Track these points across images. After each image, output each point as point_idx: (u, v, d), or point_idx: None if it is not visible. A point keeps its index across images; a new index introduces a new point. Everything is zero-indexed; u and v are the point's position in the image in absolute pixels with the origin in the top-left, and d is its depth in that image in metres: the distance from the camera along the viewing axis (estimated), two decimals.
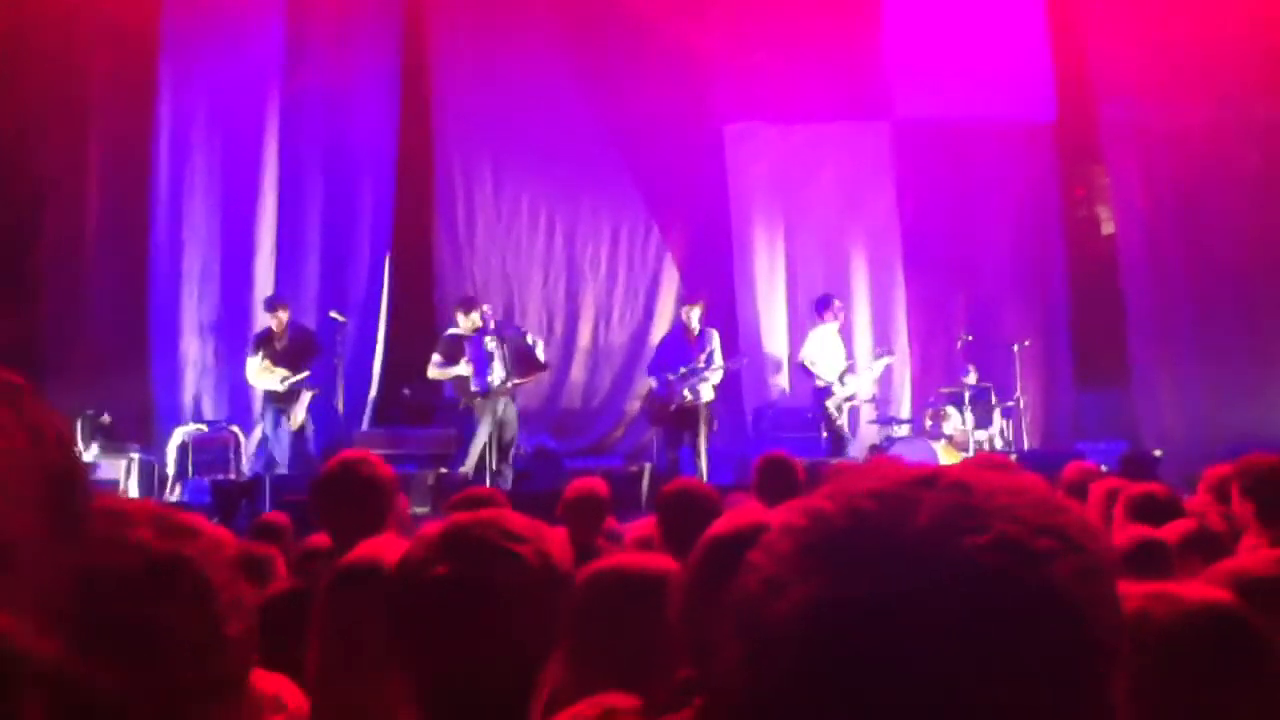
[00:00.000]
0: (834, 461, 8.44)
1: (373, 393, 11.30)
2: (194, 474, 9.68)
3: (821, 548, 0.64)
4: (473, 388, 9.15)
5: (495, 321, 9.51)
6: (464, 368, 9.17)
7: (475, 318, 9.32)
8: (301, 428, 9.47)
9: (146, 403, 10.57)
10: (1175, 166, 11.39)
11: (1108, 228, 12.38)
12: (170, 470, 9.80)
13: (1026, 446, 10.35)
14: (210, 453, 9.87)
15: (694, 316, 9.72)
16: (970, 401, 10.30)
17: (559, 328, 11.93)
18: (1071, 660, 0.62)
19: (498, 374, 9.09)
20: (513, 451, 9.34)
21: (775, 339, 11.72)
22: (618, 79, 11.76)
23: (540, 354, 9.38)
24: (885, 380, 11.41)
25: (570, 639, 1.49)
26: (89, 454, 9.14)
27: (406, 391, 10.73)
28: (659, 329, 11.47)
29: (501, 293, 11.78)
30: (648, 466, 9.56)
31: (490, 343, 9.18)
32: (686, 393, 9.45)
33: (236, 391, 10.65)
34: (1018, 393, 10.35)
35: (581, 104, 11.83)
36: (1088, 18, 11.59)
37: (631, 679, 1.84)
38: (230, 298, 10.96)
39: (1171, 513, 3.63)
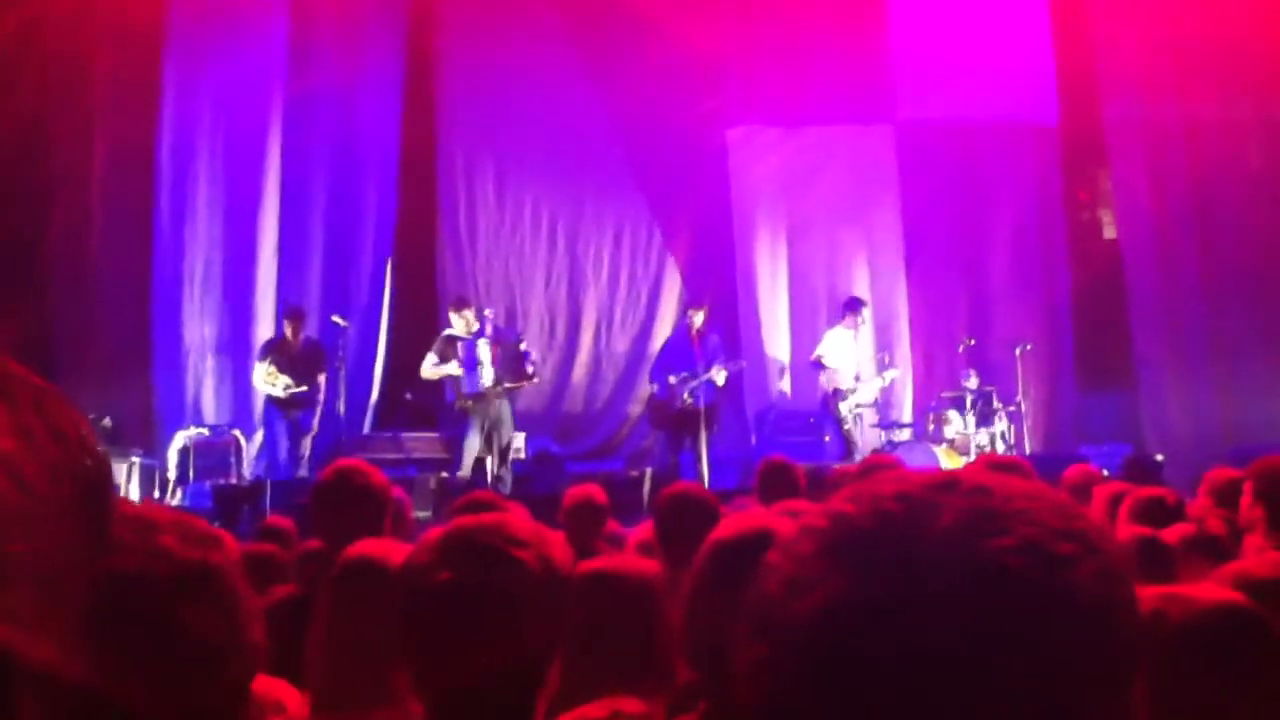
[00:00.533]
0: (837, 466, 8.42)
1: (374, 396, 11.31)
2: (195, 478, 9.67)
3: (843, 549, 0.65)
4: (463, 389, 9.16)
5: (494, 325, 9.51)
6: (454, 368, 9.18)
7: (469, 317, 9.32)
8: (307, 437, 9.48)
9: (148, 406, 10.58)
10: (1182, 165, 11.40)
11: (1110, 231, 12.38)
12: (171, 474, 9.80)
13: (1029, 450, 10.33)
14: (212, 456, 9.87)
15: (697, 320, 9.71)
16: (972, 405, 10.29)
17: (561, 331, 11.94)
18: (1092, 662, 0.62)
19: (487, 376, 9.09)
20: (510, 455, 9.32)
21: (777, 342, 11.72)
22: (621, 82, 11.78)
23: (530, 365, 9.32)
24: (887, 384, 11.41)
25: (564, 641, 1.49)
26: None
27: (408, 395, 10.73)
28: (661, 332, 11.48)
29: (504, 296, 11.79)
30: (649, 470, 9.56)
31: (483, 345, 9.17)
32: (687, 396, 9.44)
33: (238, 395, 10.67)
34: (1020, 396, 10.34)
35: (584, 107, 11.84)
36: (1093, 16, 11.60)
37: (622, 679, 1.84)
38: (233, 301, 10.98)
39: (1174, 517, 3.63)
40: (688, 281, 11.90)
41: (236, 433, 10.12)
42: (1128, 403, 11.50)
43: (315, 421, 9.54)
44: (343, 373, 9.81)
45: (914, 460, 8.68)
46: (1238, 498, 3.69)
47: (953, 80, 11.68)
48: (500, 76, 11.69)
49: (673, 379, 9.56)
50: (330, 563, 2.29)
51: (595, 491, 4.58)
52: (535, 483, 9.35)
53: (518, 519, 1.50)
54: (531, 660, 1.38)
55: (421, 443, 10.15)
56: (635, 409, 11.63)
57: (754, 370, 11.24)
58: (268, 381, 9.42)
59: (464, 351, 9.16)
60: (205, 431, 10.12)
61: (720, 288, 11.85)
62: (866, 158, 11.92)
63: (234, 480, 9.57)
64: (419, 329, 11.53)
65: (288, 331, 9.61)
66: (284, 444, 9.45)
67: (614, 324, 12.03)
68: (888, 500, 0.66)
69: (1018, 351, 10.44)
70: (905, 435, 10.57)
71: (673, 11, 11.42)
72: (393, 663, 1.46)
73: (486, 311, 9.97)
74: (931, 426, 10.35)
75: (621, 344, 11.98)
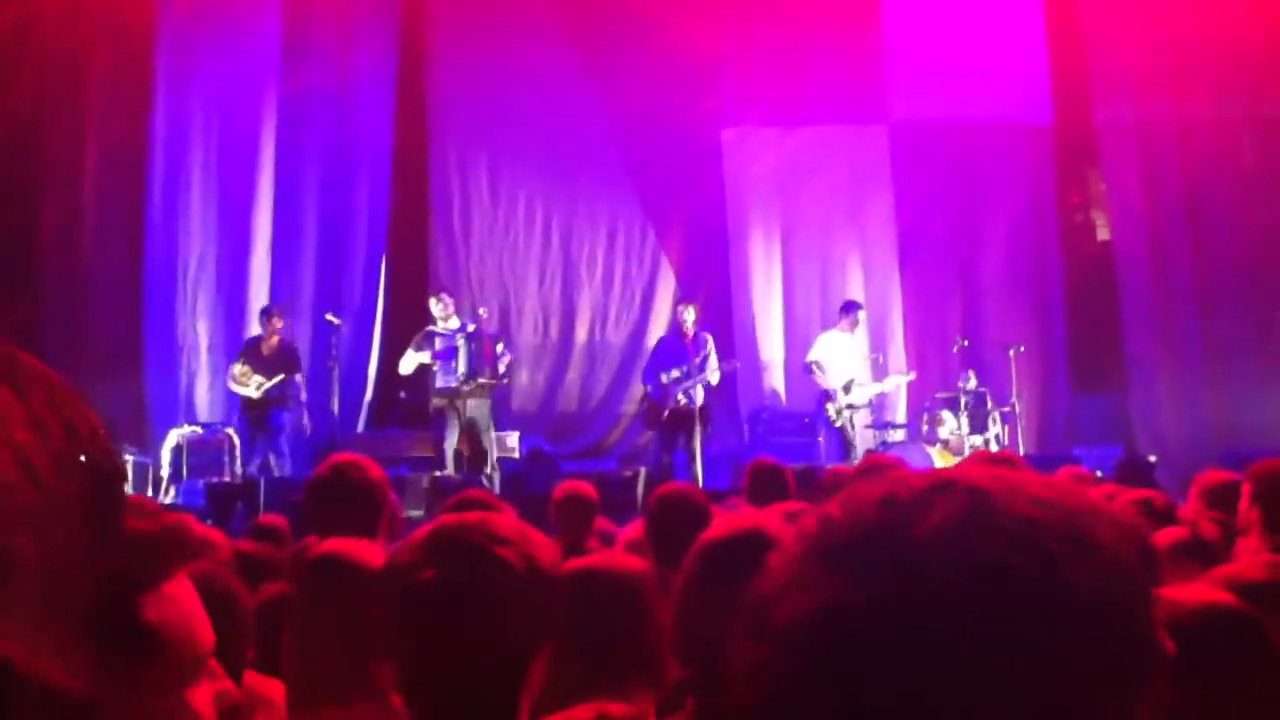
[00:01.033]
0: (832, 466, 8.43)
1: (368, 395, 11.30)
2: (189, 476, 9.65)
3: (829, 553, 0.65)
4: (435, 384, 9.18)
5: (478, 324, 9.51)
6: (426, 357, 9.19)
7: (446, 301, 9.36)
8: (280, 440, 9.50)
9: (141, 404, 10.56)
10: (1175, 165, 11.41)
11: (1103, 232, 12.40)
12: (165, 472, 9.78)
13: (1022, 451, 10.33)
14: (205, 454, 9.85)
15: (689, 317, 9.71)
16: (966, 406, 10.30)
17: (555, 329, 11.94)
18: (1088, 665, 0.61)
19: (460, 371, 9.09)
20: (492, 452, 9.29)
21: (771, 342, 11.73)
22: (615, 81, 11.77)
23: (502, 366, 9.31)
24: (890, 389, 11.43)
25: (551, 639, 1.49)
26: None
27: (402, 394, 10.72)
28: (655, 331, 11.47)
29: (497, 294, 11.78)
30: (643, 470, 9.55)
31: (460, 341, 9.18)
32: (681, 396, 9.44)
33: (231, 394, 10.64)
34: (1013, 397, 10.35)
35: (578, 105, 11.84)
36: (1086, 17, 11.61)
37: (610, 678, 1.84)
38: (226, 299, 10.96)
39: (1163, 519, 3.63)
40: (682, 280, 11.90)
41: (230, 431, 10.09)
42: (1120, 404, 11.51)
43: (304, 420, 9.53)
44: (336, 371, 9.80)
45: (908, 461, 8.68)
46: (1229, 500, 3.70)
47: (947, 81, 11.69)
48: (494, 74, 11.68)
49: (665, 378, 9.56)
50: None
51: (584, 487, 4.58)
52: (529, 482, 9.34)
53: (503, 518, 1.50)
54: (515, 658, 1.38)
55: (415, 442, 10.14)
56: (629, 408, 11.63)
57: (747, 370, 11.24)
58: (240, 381, 9.45)
59: (440, 345, 9.17)
60: (198, 429, 10.09)
61: (714, 287, 11.86)
62: (861, 158, 11.92)
63: (227, 478, 9.55)
64: (413, 327, 11.51)
65: (264, 332, 9.63)
66: (255, 447, 9.46)
67: (608, 323, 12.03)
68: (878, 503, 0.65)
69: (1011, 352, 10.44)
70: (899, 436, 10.57)
71: (668, 11, 11.42)
72: (370, 657, 1.45)
73: (481, 311, 9.97)
74: (925, 427, 10.35)
75: (616, 342, 11.97)
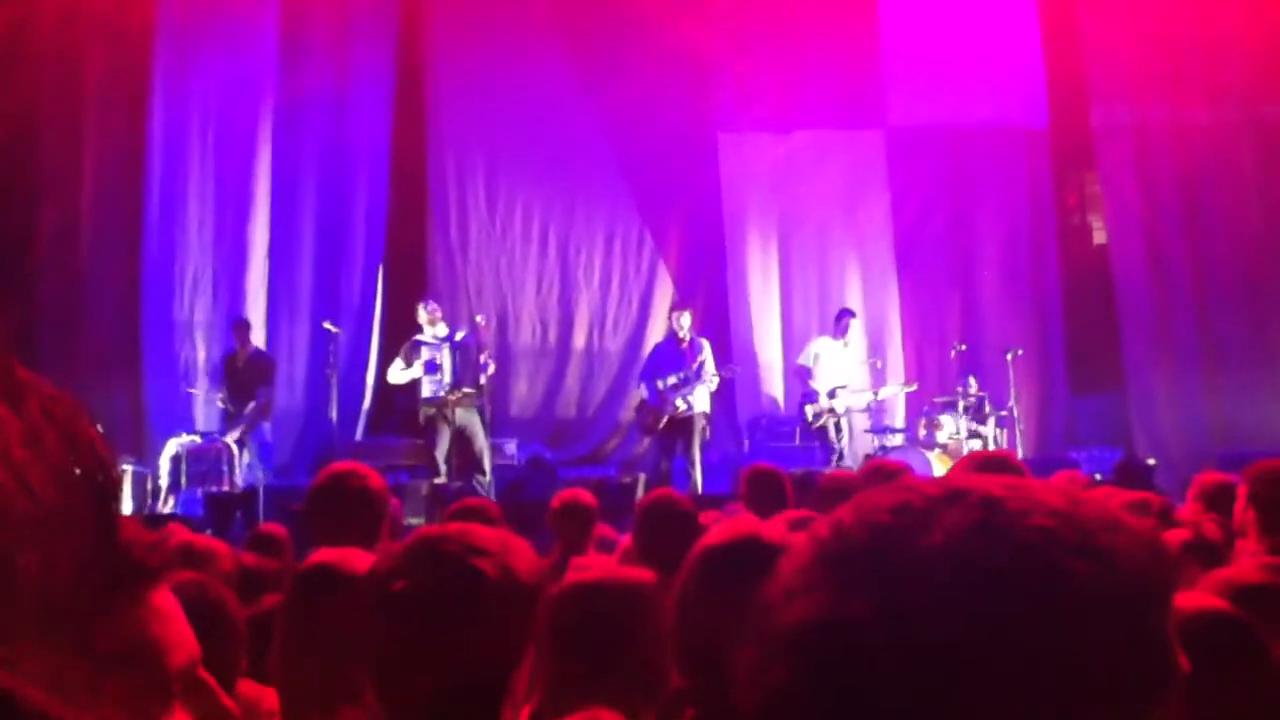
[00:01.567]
0: (828, 471, 8.41)
1: (366, 403, 11.29)
2: (187, 485, 9.63)
3: (834, 560, 0.64)
4: (422, 394, 9.20)
5: (462, 331, 9.51)
6: (416, 370, 9.21)
7: (424, 317, 9.39)
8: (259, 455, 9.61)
9: (139, 412, 10.54)
10: (1171, 168, 11.41)
11: (1100, 235, 12.41)
12: (164, 481, 9.76)
13: (1021, 455, 10.33)
14: (204, 464, 9.82)
15: (684, 323, 9.67)
16: (964, 410, 10.29)
17: (553, 336, 11.93)
18: (1100, 683, 0.60)
19: (445, 380, 9.12)
20: (485, 459, 9.29)
21: (769, 348, 11.73)
22: (612, 86, 11.77)
23: (483, 378, 9.30)
24: (879, 388, 11.42)
25: (550, 651, 1.49)
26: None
27: (401, 402, 10.71)
28: (653, 337, 11.46)
29: (495, 300, 11.78)
30: (643, 476, 9.54)
31: (445, 351, 9.20)
32: (679, 403, 9.42)
33: None
34: (1011, 400, 10.34)
35: (576, 111, 11.84)
36: (1082, 20, 11.61)
37: (607, 689, 1.84)
38: (224, 306, 10.94)
39: (1164, 522, 3.63)
40: (679, 286, 11.90)
41: (229, 439, 10.08)
42: (1119, 406, 11.51)
43: (254, 432, 9.67)
44: (334, 379, 9.80)
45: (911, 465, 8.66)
46: (1226, 501, 3.70)
47: (943, 85, 11.70)
48: (491, 79, 11.69)
49: (661, 384, 9.53)
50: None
51: (583, 495, 4.59)
52: (528, 489, 9.34)
53: (483, 528, 1.49)
54: (490, 670, 1.37)
55: (413, 449, 10.12)
56: (628, 414, 11.61)
57: (746, 376, 11.23)
58: (218, 401, 9.62)
59: (427, 355, 9.19)
60: (197, 439, 10.07)
61: (712, 292, 11.86)
62: (857, 162, 11.93)
63: (226, 488, 9.54)
64: (410, 334, 11.52)
65: (236, 344, 9.79)
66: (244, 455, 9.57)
67: (606, 328, 12.02)
68: (890, 510, 0.65)
69: (1009, 356, 10.44)
70: (898, 440, 10.56)
71: (664, 16, 11.43)
72: (359, 667, 1.45)
73: (479, 319, 9.97)
74: (923, 431, 10.34)
75: (614, 348, 11.97)
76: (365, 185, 11.56)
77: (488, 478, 9.21)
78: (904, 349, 11.76)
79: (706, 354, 9.62)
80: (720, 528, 1.81)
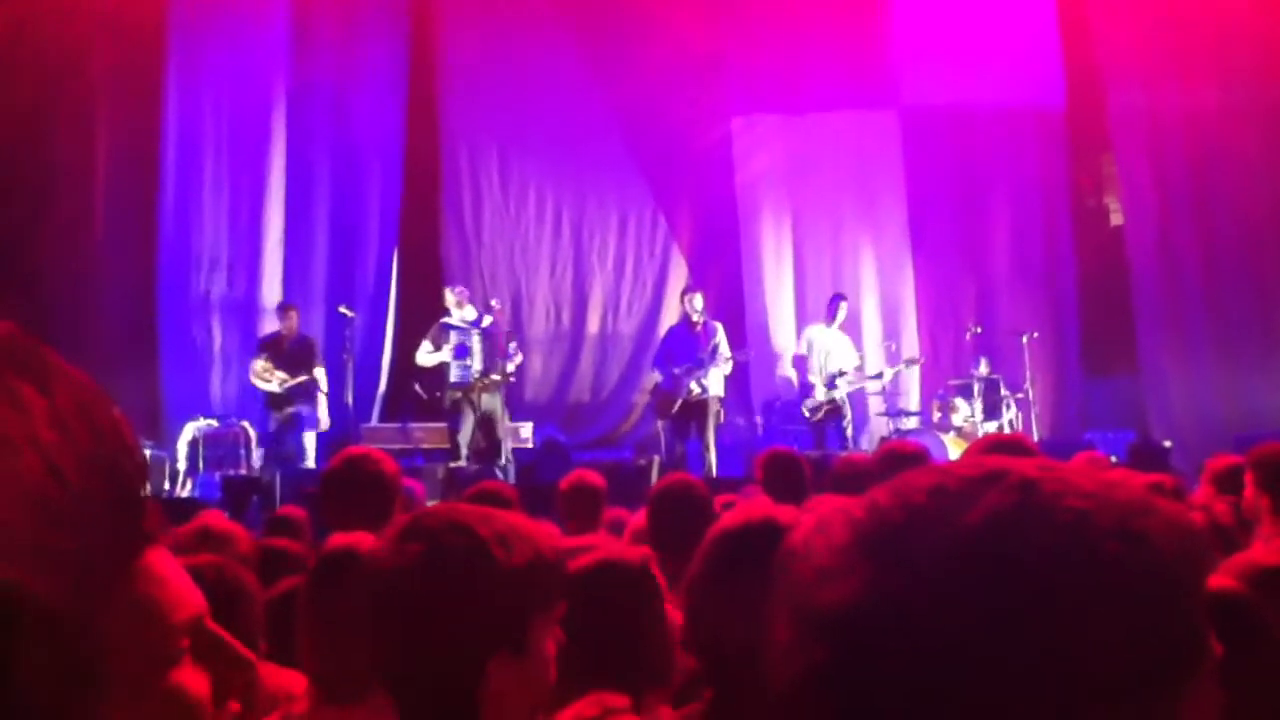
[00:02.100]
0: (842, 455, 8.40)
1: (382, 387, 11.33)
2: (205, 469, 9.70)
3: (872, 541, 0.64)
4: (450, 379, 9.21)
5: (490, 317, 9.51)
6: (445, 354, 9.22)
7: (452, 300, 9.37)
8: (298, 434, 9.54)
9: (156, 397, 10.59)
10: (1186, 150, 11.32)
11: (1116, 218, 12.33)
12: (181, 465, 9.82)
13: (1036, 437, 10.30)
14: (221, 447, 9.89)
15: (697, 306, 9.63)
16: (979, 393, 10.27)
17: (567, 319, 11.95)
18: (1134, 663, 0.61)
19: (475, 367, 9.13)
20: (506, 444, 9.32)
21: (783, 331, 11.71)
22: (625, 70, 11.75)
23: (510, 365, 9.30)
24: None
25: (563, 634, 1.50)
26: None
27: (416, 386, 10.74)
28: (667, 320, 11.45)
29: (509, 285, 11.79)
30: (657, 459, 9.54)
31: (475, 336, 9.21)
32: (694, 386, 9.41)
33: (246, 386, 10.67)
34: (1026, 383, 10.31)
35: (588, 95, 11.82)
36: (1097, 0, 11.52)
37: (615, 671, 1.85)
38: (239, 292, 10.99)
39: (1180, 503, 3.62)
40: (693, 269, 11.89)
41: (245, 424, 10.13)
42: (1133, 388, 11.46)
43: (320, 415, 9.58)
44: (350, 364, 9.82)
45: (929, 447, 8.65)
46: (1239, 485, 3.69)
47: (956, 65, 11.63)
48: (503, 65, 11.68)
49: (677, 370, 9.52)
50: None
51: (591, 476, 4.61)
52: (541, 471, 9.36)
53: (483, 509, 1.50)
54: (466, 651, 1.39)
55: (429, 433, 10.17)
56: (641, 397, 11.63)
57: (760, 359, 11.23)
58: (263, 377, 9.48)
59: (456, 340, 9.20)
60: (214, 423, 10.13)
61: (725, 275, 11.84)
62: (871, 144, 11.87)
63: (243, 471, 9.59)
64: (425, 319, 11.52)
65: (283, 328, 9.66)
66: (279, 439, 9.50)
67: (619, 312, 12.03)
68: (927, 491, 0.65)
69: (1024, 338, 10.41)
70: (913, 423, 10.55)
71: (676, 1, 11.39)
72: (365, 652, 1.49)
73: (494, 303, 9.97)
74: (938, 415, 10.32)
75: (627, 332, 11.98)
76: (379, 171, 11.58)
77: (507, 462, 9.24)
78: (919, 331, 11.73)
79: (720, 337, 9.59)
80: (735, 512, 1.81)
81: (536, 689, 1.46)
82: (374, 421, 10.91)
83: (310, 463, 9.33)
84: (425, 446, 9.92)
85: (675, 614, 1.93)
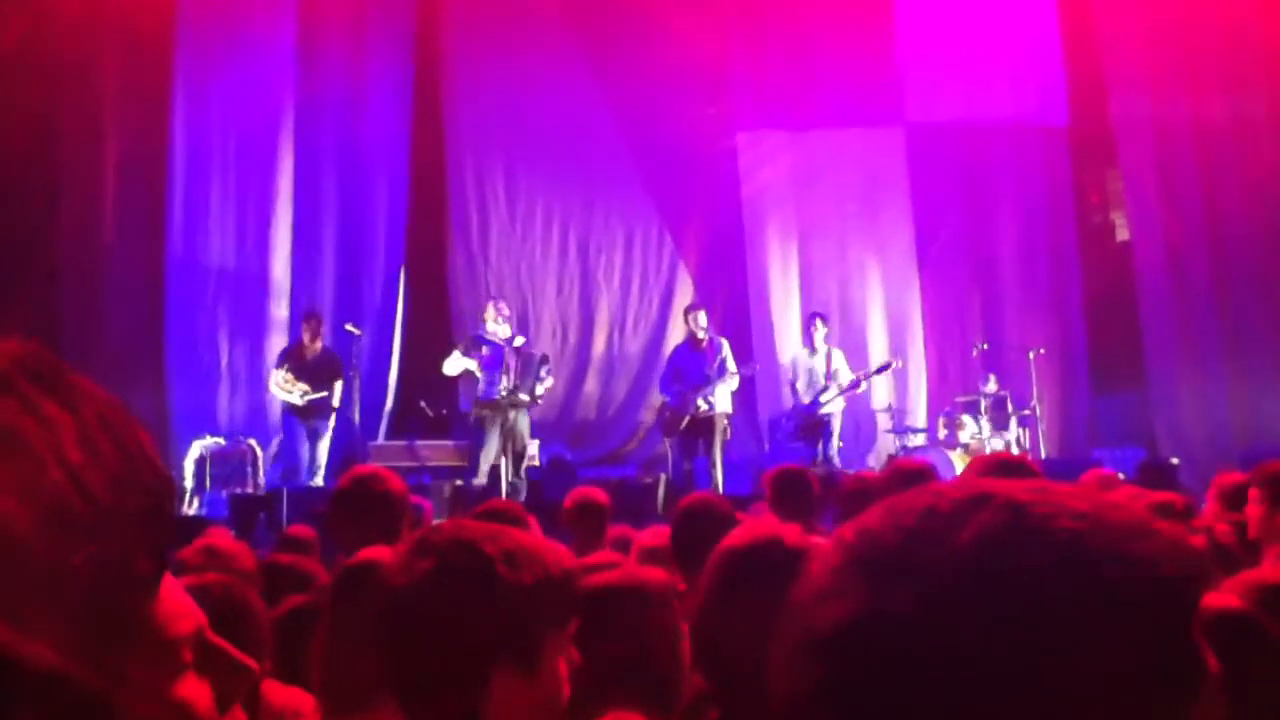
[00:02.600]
0: (851, 472, 8.38)
1: (389, 404, 11.34)
2: (211, 487, 9.71)
3: (864, 563, 0.65)
4: (478, 394, 9.18)
5: (523, 338, 9.52)
6: (472, 364, 9.19)
7: (491, 315, 9.34)
8: (322, 441, 9.52)
9: (163, 415, 10.59)
10: (1193, 163, 11.31)
11: (1122, 233, 12.33)
12: (189, 483, 9.83)
13: (1044, 454, 10.28)
14: (228, 465, 9.90)
15: (701, 323, 9.61)
16: (986, 409, 10.25)
17: (573, 337, 11.96)
18: (1126, 686, 0.60)
19: (504, 385, 9.09)
20: (525, 463, 9.32)
21: (789, 347, 11.69)
22: (629, 87, 11.79)
23: (540, 388, 9.24)
24: (901, 389, 11.39)
25: (578, 652, 1.51)
26: None
27: (422, 403, 10.76)
28: (673, 337, 11.45)
29: (516, 302, 11.78)
30: (663, 477, 9.54)
31: (508, 354, 9.20)
32: (701, 403, 9.39)
33: (253, 404, 10.70)
34: (1034, 400, 10.29)
35: (593, 112, 11.86)
36: (1100, 16, 11.54)
37: (628, 690, 1.85)
38: (247, 309, 11.00)
39: (1184, 521, 3.61)
40: (699, 286, 11.90)
41: (252, 441, 10.14)
42: (1141, 405, 11.42)
43: (329, 427, 9.59)
44: (357, 380, 9.84)
45: (935, 464, 8.63)
46: (1246, 501, 3.67)
47: (962, 82, 11.66)
48: (509, 82, 11.73)
49: (684, 389, 9.50)
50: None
51: (596, 493, 4.63)
52: (548, 489, 9.35)
53: (488, 527, 1.52)
54: (470, 667, 1.40)
55: (436, 450, 10.16)
56: (648, 415, 11.62)
57: (766, 376, 11.22)
58: (284, 389, 9.47)
59: (488, 353, 9.16)
60: (221, 441, 10.14)
61: (732, 292, 11.86)
62: (876, 160, 11.89)
63: (250, 489, 9.60)
64: (432, 336, 11.57)
65: (306, 337, 9.65)
66: (304, 450, 9.49)
67: (626, 329, 12.04)
68: (919, 513, 0.65)
69: (1031, 355, 10.39)
70: (919, 440, 10.53)
71: (681, 16, 11.44)
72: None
73: (518, 340, 9.98)
74: (945, 432, 10.30)
75: (634, 349, 11.98)
76: (385, 188, 11.62)
77: (523, 480, 9.24)
78: (925, 348, 11.72)
79: (726, 352, 9.58)
80: (741, 530, 1.81)
81: (546, 707, 1.46)
82: (381, 439, 10.91)
83: (319, 480, 9.33)
84: (432, 464, 9.92)
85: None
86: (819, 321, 10.27)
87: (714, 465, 9.34)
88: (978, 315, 11.72)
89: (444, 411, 10.56)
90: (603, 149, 11.93)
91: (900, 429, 10.74)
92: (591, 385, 11.91)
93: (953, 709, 0.60)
